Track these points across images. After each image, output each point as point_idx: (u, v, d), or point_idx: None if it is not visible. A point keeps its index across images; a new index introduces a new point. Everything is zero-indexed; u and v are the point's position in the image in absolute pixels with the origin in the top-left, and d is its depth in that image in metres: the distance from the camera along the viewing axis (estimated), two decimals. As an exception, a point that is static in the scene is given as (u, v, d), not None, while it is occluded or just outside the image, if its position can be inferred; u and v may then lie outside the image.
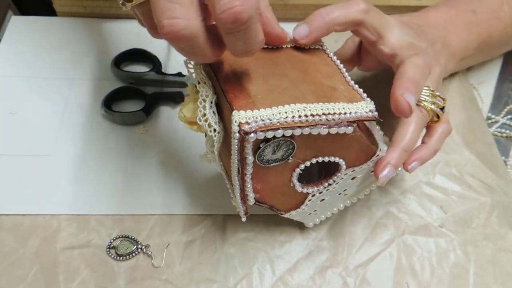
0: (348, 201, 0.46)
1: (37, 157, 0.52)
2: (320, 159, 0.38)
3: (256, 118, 0.33)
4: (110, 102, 0.55)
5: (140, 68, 0.59)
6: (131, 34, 0.62)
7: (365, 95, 0.38)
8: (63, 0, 0.62)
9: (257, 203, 0.41)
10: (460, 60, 0.54)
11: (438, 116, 0.43)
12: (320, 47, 0.43)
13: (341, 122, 0.35)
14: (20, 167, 0.51)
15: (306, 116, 0.34)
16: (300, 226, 0.48)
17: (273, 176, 0.38)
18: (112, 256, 0.46)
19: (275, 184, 0.40)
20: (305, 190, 0.41)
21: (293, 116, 0.34)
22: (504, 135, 0.57)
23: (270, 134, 0.33)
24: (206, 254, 0.47)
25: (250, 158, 0.35)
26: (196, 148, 0.53)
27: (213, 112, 0.37)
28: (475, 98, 0.59)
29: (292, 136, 0.35)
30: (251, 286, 0.45)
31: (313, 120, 0.34)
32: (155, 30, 0.33)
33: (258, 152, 0.35)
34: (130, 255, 0.46)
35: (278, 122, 0.33)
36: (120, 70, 0.57)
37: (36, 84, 0.58)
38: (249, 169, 0.36)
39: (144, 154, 0.53)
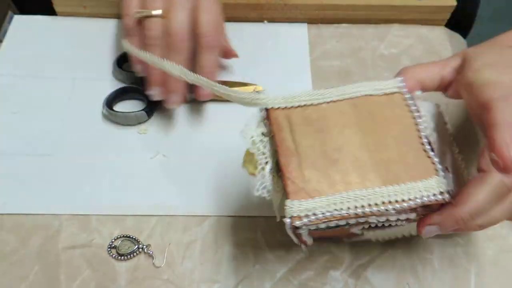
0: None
1: (39, 156, 0.52)
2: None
3: (309, 211, 0.32)
4: (111, 102, 0.55)
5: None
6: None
7: (440, 166, 0.34)
8: (63, 0, 0.62)
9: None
10: None
11: None
12: (398, 90, 0.37)
13: (403, 210, 0.32)
14: (22, 167, 0.51)
15: (363, 206, 0.31)
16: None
17: (330, 231, 0.35)
18: (113, 255, 0.46)
19: (333, 232, 0.39)
20: (358, 232, 0.41)
21: (349, 208, 0.31)
22: (505, 135, 0.57)
23: (322, 225, 0.32)
24: (207, 254, 0.47)
25: (305, 234, 0.34)
26: (197, 149, 0.53)
27: (273, 177, 0.35)
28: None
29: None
30: (252, 286, 0.45)
31: (370, 211, 0.32)
32: None
33: (312, 229, 0.33)
34: (131, 255, 0.46)
35: (332, 215, 0.31)
36: (122, 70, 0.57)
37: (38, 83, 0.58)
38: (306, 238, 0.35)
39: (145, 154, 0.53)
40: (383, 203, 0.31)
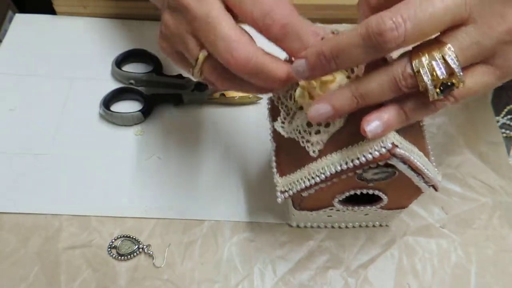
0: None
1: (36, 155, 0.52)
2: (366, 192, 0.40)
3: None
4: (109, 102, 0.55)
5: (140, 69, 0.59)
6: (131, 34, 0.62)
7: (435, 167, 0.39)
8: (63, 0, 0.62)
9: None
10: None
11: None
12: None
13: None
14: (20, 166, 0.51)
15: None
16: (301, 227, 0.48)
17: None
18: (114, 256, 0.46)
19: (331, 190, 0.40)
20: (336, 203, 0.42)
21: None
22: (504, 135, 0.57)
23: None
24: (207, 254, 0.47)
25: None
26: (193, 151, 0.53)
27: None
28: (483, 97, 0.58)
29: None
30: (252, 286, 0.45)
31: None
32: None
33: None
34: (132, 255, 0.46)
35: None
36: (120, 70, 0.57)
37: (36, 82, 0.58)
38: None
39: (140, 156, 0.52)
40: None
